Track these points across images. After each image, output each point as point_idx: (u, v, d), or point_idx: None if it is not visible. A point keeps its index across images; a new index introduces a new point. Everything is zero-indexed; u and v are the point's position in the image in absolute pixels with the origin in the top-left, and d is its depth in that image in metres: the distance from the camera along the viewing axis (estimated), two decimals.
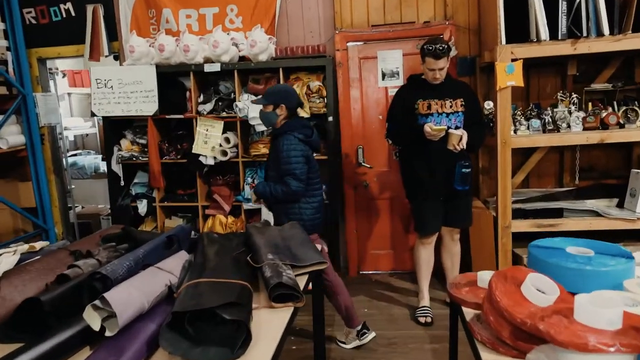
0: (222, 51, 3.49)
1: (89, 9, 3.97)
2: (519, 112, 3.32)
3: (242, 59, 3.69)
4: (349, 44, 3.83)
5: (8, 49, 4.01)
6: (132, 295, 1.39)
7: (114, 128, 3.93)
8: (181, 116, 3.72)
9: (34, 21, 4.12)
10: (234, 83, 3.66)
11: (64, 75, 7.10)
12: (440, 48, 2.73)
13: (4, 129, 3.99)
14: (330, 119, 3.56)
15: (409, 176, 3.04)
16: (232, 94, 3.72)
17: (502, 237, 3.12)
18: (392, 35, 3.76)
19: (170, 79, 3.80)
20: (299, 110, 2.92)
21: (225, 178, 3.86)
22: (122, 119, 3.84)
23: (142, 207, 3.91)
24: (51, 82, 5.28)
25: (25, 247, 1.96)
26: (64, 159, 5.15)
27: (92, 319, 1.31)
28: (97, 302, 1.31)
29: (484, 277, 1.51)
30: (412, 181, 3.02)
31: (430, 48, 2.75)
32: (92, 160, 6.47)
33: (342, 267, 4.10)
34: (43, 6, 4.07)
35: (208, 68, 3.56)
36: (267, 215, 3.59)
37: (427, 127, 2.73)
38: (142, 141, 3.87)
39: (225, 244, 2.06)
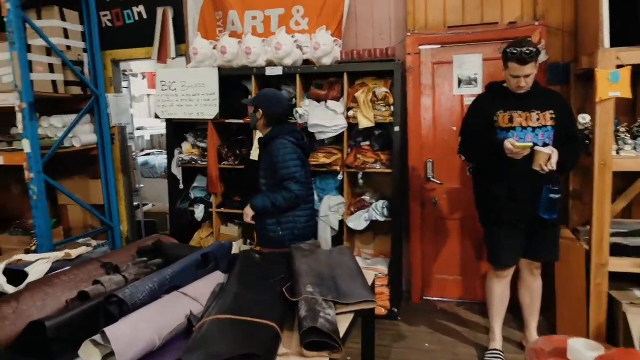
0: (285, 54, 3.32)
1: (159, 11, 3.99)
2: (622, 129, 2.80)
3: (307, 62, 3.50)
4: (421, 47, 3.50)
5: (85, 50, 4.14)
6: (140, 331, 1.20)
7: (177, 131, 3.92)
8: (241, 121, 3.60)
9: (109, 24, 4.23)
10: (296, 88, 3.47)
11: (144, 77, 7.40)
12: (527, 52, 2.34)
13: (77, 128, 4.12)
14: (397, 129, 3.25)
15: (484, 199, 2.65)
16: (294, 99, 3.53)
17: (596, 277, 2.62)
18: (471, 38, 3.38)
19: (233, 82, 3.70)
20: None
21: None
22: (185, 122, 3.81)
23: (200, 212, 3.84)
24: (126, 84, 5.48)
25: (61, 254, 1.88)
26: (133, 159, 5.30)
27: (91, 355, 1.14)
28: (97, 337, 1.14)
29: (578, 348, 1.15)
30: (487, 205, 2.63)
31: (515, 52, 2.37)
32: (162, 160, 6.64)
33: (404, 290, 3.76)
34: (118, 9, 4.17)
35: (270, 72, 3.41)
36: (323, 230, 3.37)
37: (509, 144, 2.34)
38: (203, 145, 3.80)
39: (264, 267, 1.85)
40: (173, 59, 4.04)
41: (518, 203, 2.48)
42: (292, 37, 3.43)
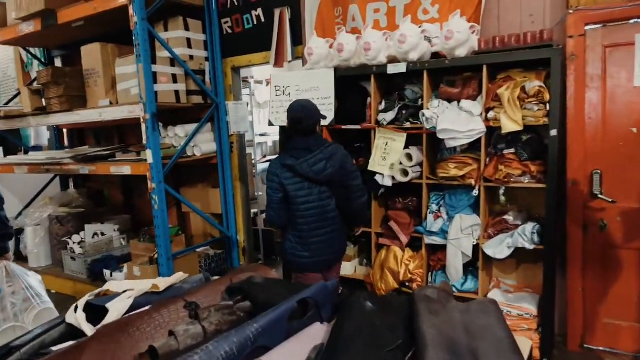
0: (410, 47, 2.83)
1: (276, 12, 3.80)
2: None
3: (436, 55, 2.97)
4: (588, 27, 2.73)
5: (207, 59, 4.15)
6: None
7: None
8: (358, 127, 3.21)
9: (229, 30, 4.17)
10: (422, 86, 2.97)
11: (268, 84, 7.46)
12: None
13: (198, 137, 4.14)
14: (554, 132, 2.55)
15: None
16: (420, 99, 3.03)
17: None
18: None
19: (351, 83, 3.33)
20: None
21: (405, 201, 3.20)
22: None
23: None
24: (247, 91, 5.47)
25: (148, 285, 1.67)
26: (253, 166, 5.26)
27: None
28: None
29: None
30: None
31: None
32: None
33: (557, 334, 3.00)
34: (238, 15, 4.08)
35: (392, 69, 2.96)
36: (453, 257, 2.82)
37: None
38: None
39: (377, 323, 1.41)
40: (289, 62, 3.82)
41: None
42: (419, 27, 2.93)
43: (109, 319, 1.47)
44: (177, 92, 3.83)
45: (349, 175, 2.57)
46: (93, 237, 4.45)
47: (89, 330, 1.43)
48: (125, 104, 3.66)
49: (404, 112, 3.05)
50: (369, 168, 3.09)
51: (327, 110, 3.21)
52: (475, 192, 2.85)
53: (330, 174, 2.49)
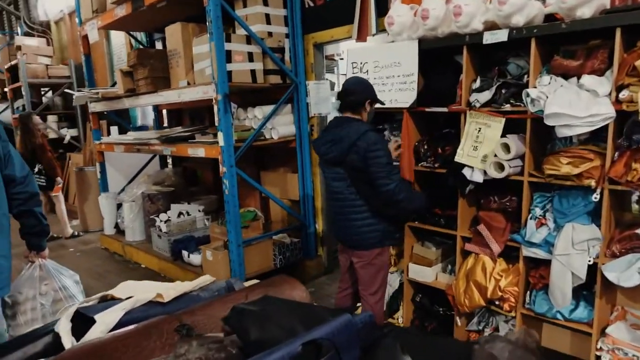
0: (513, 9, 2.23)
1: None
2: None
3: (549, 18, 2.32)
4: None
5: (287, 35, 3.88)
6: None
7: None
8: (444, 109, 2.68)
9: (311, 3, 3.84)
10: (529, 59, 2.34)
11: None
12: None
13: (277, 119, 3.93)
14: None
15: None
16: (526, 76, 2.41)
17: None
18: None
19: (440, 57, 2.80)
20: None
21: (502, 201, 2.62)
22: (380, 111, 3.10)
23: None
24: (335, 69, 5.12)
25: (151, 295, 1.44)
26: None
27: None
28: None
29: None
30: None
31: None
32: None
33: None
34: None
35: (488, 37, 2.37)
36: (560, 277, 2.22)
37: None
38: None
39: None
40: (373, 35, 3.38)
41: None
42: None
43: (92, 333, 1.26)
44: (253, 72, 3.63)
45: (366, 160, 2.34)
46: (179, 216, 4.52)
47: (69, 343, 1.24)
48: (200, 85, 3.55)
49: (503, 91, 2.45)
50: (456, 159, 2.56)
51: (409, 89, 2.73)
52: (595, 196, 2.18)
53: (334, 157, 2.42)
